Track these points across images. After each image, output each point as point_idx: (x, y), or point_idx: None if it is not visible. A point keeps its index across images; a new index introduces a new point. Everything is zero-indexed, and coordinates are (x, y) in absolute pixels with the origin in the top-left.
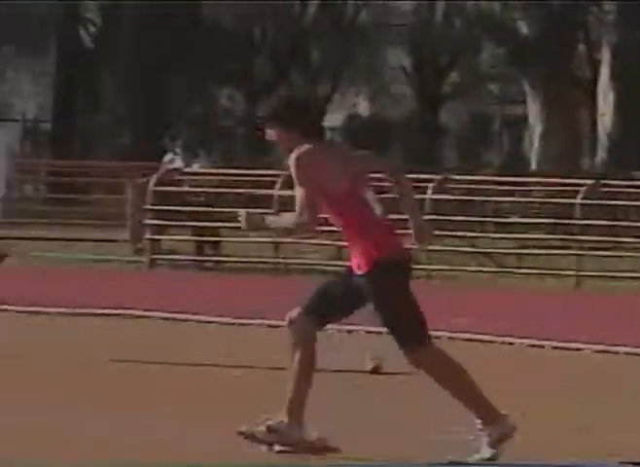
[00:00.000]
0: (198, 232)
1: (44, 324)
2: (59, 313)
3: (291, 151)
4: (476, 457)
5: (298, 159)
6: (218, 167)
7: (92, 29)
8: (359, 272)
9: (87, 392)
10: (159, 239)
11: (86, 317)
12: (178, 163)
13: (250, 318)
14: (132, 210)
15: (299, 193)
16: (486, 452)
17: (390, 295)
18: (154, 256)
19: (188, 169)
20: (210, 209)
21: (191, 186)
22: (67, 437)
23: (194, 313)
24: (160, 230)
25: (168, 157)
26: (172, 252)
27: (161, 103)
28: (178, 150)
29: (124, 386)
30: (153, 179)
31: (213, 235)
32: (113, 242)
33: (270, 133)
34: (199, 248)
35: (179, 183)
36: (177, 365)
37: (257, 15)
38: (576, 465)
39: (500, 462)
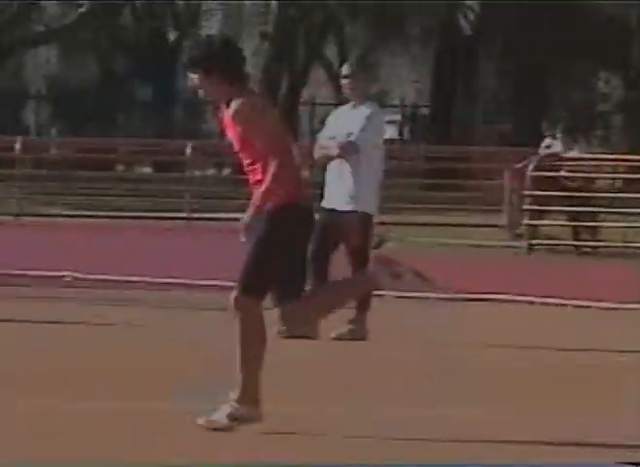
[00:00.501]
0: (575, 217)
1: (419, 308)
2: (437, 298)
3: (219, 99)
4: (208, 418)
5: (254, 105)
6: (595, 152)
7: (471, 17)
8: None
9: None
10: (537, 225)
11: (460, 302)
12: (557, 148)
13: (633, 303)
14: (510, 195)
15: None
16: (219, 416)
17: (274, 241)
18: (532, 241)
19: (566, 154)
20: (587, 194)
21: (568, 171)
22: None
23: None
24: (538, 215)
25: (547, 141)
26: (550, 237)
27: (541, 88)
28: (558, 134)
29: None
30: (531, 164)
31: (590, 220)
32: (490, 228)
33: (194, 79)
34: (577, 233)
35: (557, 168)
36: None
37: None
38: (575, 465)
39: (500, 462)
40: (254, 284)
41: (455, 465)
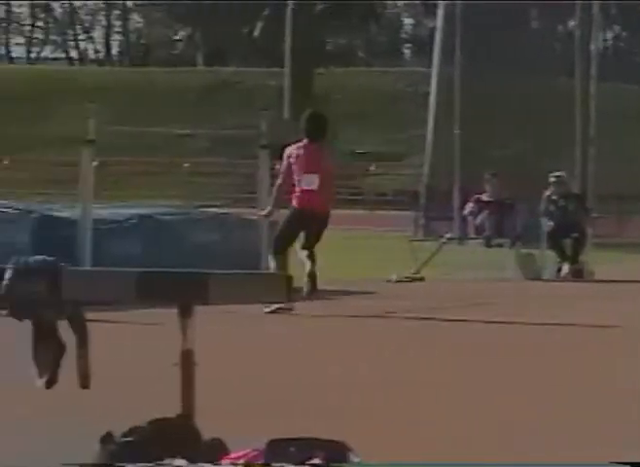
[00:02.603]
0: None
1: None
2: None
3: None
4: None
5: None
6: None
7: None
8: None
9: None
10: None
11: None
12: None
13: None
14: None
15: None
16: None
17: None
18: None
19: None
20: None
21: None
22: None
23: None
24: None
25: None
26: None
27: None
28: None
29: None
30: None
31: None
32: None
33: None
34: None
35: None
36: None
37: None
38: (570, 465)
39: (500, 462)
40: (277, 242)
41: (455, 465)
